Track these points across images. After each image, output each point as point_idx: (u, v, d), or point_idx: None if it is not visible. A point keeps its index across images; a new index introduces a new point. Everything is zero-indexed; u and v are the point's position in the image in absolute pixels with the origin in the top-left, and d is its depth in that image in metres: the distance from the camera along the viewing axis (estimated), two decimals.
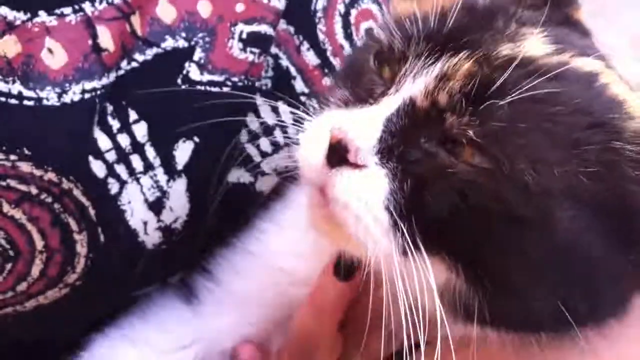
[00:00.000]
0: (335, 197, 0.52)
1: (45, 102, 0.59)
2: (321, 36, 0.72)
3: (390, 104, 0.53)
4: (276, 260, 0.68)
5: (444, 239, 0.52)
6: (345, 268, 0.62)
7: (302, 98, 0.71)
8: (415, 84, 0.53)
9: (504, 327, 0.54)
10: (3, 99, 0.57)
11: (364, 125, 0.53)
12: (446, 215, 0.51)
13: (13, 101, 0.57)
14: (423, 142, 0.52)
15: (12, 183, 0.58)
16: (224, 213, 0.69)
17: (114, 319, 0.71)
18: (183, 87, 0.65)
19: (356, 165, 0.52)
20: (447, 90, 0.52)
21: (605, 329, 0.55)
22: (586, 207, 0.51)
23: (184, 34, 0.65)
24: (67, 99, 0.60)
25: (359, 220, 0.52)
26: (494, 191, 0.50)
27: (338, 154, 0.52)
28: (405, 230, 0.51)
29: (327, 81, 0.73)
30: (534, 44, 0.54)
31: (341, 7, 0.73)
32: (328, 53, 0.72)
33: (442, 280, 0.52)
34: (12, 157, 0.57)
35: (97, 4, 0.61)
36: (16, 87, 0.57)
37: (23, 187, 0.58)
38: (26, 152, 0.58)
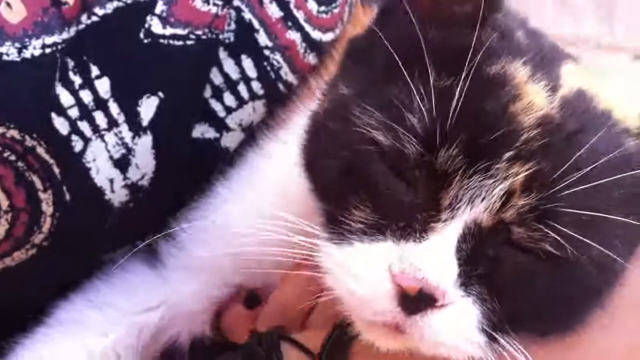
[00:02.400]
0: (425, 338, 0.50)
1: (5, 57, 0.57)
2: None
3: (451, 231, 0.50)
4: (236, 229, 0.67)
5: (527, 322, 0.53)
6: (252, 299, 0.68)
7: (266, 52, 0.71)
8: (475, 207, 0.50)
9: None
10: None
11: (439, 266, 0.49)
12: (530, 304, 0.52)
13: None
14: (491, 252, 0.51)
15: None
16: (191, 170, 0.69)
17: (80, 285, 0.71)
18: (145, 41, 0.64)
19: (441, 306, 0.50)
20: (513, 207, 0.50)
21: None
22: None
23: None
24: (27, 54, 0.58)
25: (452, 349, 0.51)
26: (569, 276, 0.52)
27: (422, 302, 0.49)
28: (502, 339, 0.51)
29: (295, 37, 0.72)
30: (531, 89, 0.53)
31: None
32: (291, 5, 0.71)
33: None
34: None
35: None
36: None
37: None
38: None
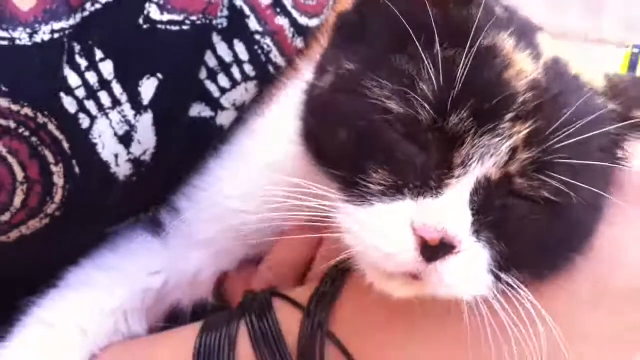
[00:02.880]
0: (442, 282, 0.56)
1: (18, 42, 0.62)
2: None
3: (464, 186, 0.56)
4: (230, 204, 0.73)
5: (529, 262, 0.60)
6: None
7: (257, 36, 0.76)
8: (486, 163, 0.56)
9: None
10: None
11: (456, 217, 0.55)
12: (532, 246, 0.59)
13: None
14: (498, 202, 0.57)
15: None
16: (189, 146, 0.75)
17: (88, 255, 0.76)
18: (145, 26, 0.69)
19: (457, 252, 0.55)
20: (517, 161, 0.57)
21: None
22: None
23: None
24: (37, 38, 0.63)
25: (463, 290, 0.57)
26: (566, 218, 0.59)
27: (441, 251, 0.55)
28: (507, 278, 0.58)
29: (283, 22, 0.77)
30: (519, 57, 0.59)
31: None
32: None
33: None
34: None
35: None
36: None
37: (2, 122, 0.62)
38: (3, 88, 0.61)
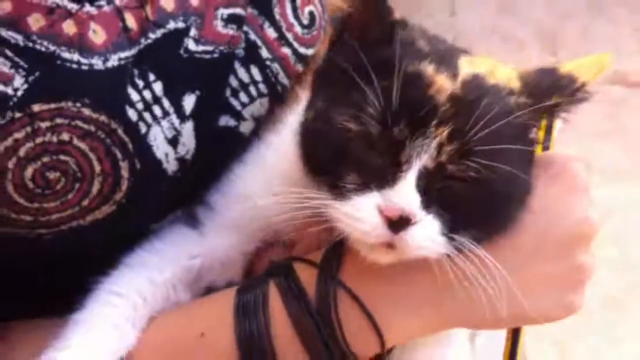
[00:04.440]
0: (409, 246, 0.73)
1: (95, 66, 0.80)
2: (277, 16, 0.97)
3: (411, 176, 0.72)
4: (254, 199, 0.90)
5: (471, 225, 0.76)
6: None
7: (267, 62, 0.96)
8: (422, 158, 0.73)
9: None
10: (68, 64, 0.79)
11: (408, 199, 0.72)
12: (470, 213, 0.76)
13: (75, 66, 0.79)
14: (438, 184, 0.73)
15: (79, 123, 0.79)
16: (219, 149, 0.93)
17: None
18: (184, 55, 0.88)
19: (414, 223, 0.72)
20: (445, 152, 0.73)
21: None
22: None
23: (181, 18, 0.88)
24: (109, 64, 0.81)
25: (427, 250, 0.74)
26: (490, 189, 0.75)
27: (402, 224, 0.72)
28: (456, 238, 0.74)
29: (287, 51, 0.98)
30: (439, 77, 0.75)
31: None
32: (283, 29, 0.97)
33: None
34: (78, 104, 0.78)
35: None
36: (76, 56, 0.79)
37: (86, 126, 0.80)
38: (86, 100, 0.79)
